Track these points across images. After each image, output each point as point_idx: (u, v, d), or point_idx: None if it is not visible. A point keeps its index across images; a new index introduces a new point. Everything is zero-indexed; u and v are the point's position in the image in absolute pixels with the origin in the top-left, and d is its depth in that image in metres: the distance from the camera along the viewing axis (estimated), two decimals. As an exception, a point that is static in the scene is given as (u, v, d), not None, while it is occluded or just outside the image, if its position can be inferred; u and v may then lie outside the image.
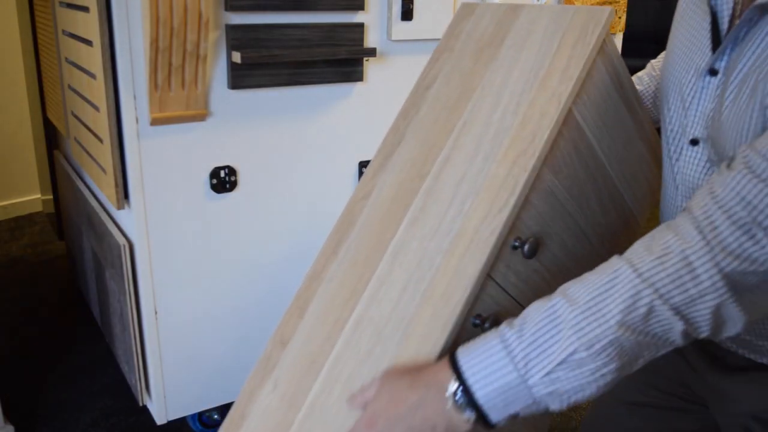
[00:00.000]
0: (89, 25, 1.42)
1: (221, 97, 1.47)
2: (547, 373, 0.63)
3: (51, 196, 2.53)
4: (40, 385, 1.99)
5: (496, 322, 0.70)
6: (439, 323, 0.72)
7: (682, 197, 0.82)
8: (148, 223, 1.47)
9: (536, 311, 0.65)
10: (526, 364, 0.63)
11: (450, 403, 0.65)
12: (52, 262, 2.78)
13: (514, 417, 0.65)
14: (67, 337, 2.23)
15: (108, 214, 1.72)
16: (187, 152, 1.47)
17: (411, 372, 0.69)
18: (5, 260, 2.79)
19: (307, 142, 1.62)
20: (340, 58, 1.56)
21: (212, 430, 1.80)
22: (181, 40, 1.32)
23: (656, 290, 0.62)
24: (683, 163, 0.80)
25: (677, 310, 0.62)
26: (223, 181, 1.52)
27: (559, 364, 0.62)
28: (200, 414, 1.76)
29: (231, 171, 1.53)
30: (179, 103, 1.40)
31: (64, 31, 1.71)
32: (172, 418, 1.65)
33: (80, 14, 1.48)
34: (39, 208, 3.26)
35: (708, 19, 0.78)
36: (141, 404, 1.67)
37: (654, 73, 1.08)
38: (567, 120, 0.80)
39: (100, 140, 1.50)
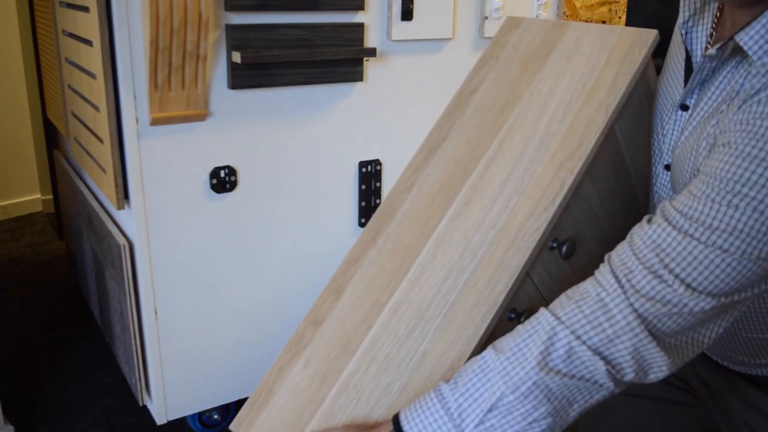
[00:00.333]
0: (89, 25, 1.42)
1: (221, 97, 1.47)
2: (480, 422, 0.66)
3: (51, 196, 2.53)
4: (40, 385, 1.99)
5: (528, 318, 0.74)
6: (481, 311, 0.76)
7: None
8: (148, 223, 1.47)
9: (470, 365, 0.69)
10: (461, 414, 0.66)
11: None
12: (52, 262, 2.78)
13: None
14: (67, 337, 2.23)
15: (108, 214, 1.72)
16: (187, 152, 1.47)
17: (362, 429, 0.73)
18: (5, 260, 2.79)
19: (307, 142, 1.62)
20: (340, 58, 1.56)
21: (212, 430, 1.80)
22: (181, 40, 1.32)
23: (573, 331, 0.66)
24: (659, 186, 0.87)
25: (596, 351, 0.66)
26: (223, 181, 1.52)
27: (489, 411, 0.66)
28: (200, 414, 1.76)
29: (231, 171, 1.53)
30: (179, 103, 1.40)
31: (64, 31, 1.71)
32: (172, 418, 1.65)
33: (80, 14, 1.49)
34: (39, 208, 3.26)
35: (683, 55, 0.83)
36: (141, 404, 1.67)
37: None
38: (609, 132, 0.85)
39: (100, 140, 1.50)
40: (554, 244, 0.81)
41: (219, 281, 1.60)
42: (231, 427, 0.82)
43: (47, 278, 2.64)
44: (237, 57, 1.41)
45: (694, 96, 0.79)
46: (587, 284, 0.69)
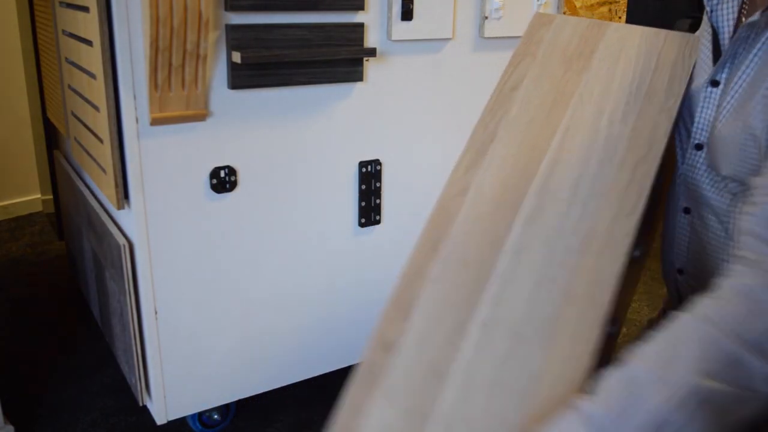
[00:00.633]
0: (89, 25, 1.42)
1: (221, 97, 1.47)
2: None
3: (51, 196, 2.53)
4: (40, 385, 1.99)
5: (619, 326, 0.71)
6: (587, 323, 0.71)
7: (684, 197, 0.87)
8: (148, 223, 1.47)
9: (611, 380, 0.63)
10: None
11: None
12: (52, 262, 2.78)
13: None
14: (67, 337, 2.23)
15: (108, 214, 1.72)
16: (187, 152, 1.47)
17: None
18: (5, 260, 2.79)
19: (307, 142, 1.62)
20: (340, 58, 1.56)
21: (212, 430, 1.80)
22: (181, 40, 1.32)
23: (728, 330, 0.61)
24: (686, 168, 0.85)
25: (753, 347, 0.60)
26: (223, 181, 1.52)
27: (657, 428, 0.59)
28: (200, 414, 1.76)
29: (231, 171, 1.53)
30: (179, 103, 1.40)
31: (64, 31, 1.71)
32: (172, 418, 1.65)
33: (80, 14, 1.48)
34: (39, 208, 3.26)
35: (710, 31, 0.83)
36: (141, 404, 1.67)
37: None
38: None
39: (100, 140, 1.50)
40: (636, 252, 0.80)
41: (219, 281, 1.60)
42: None
43: (47, 278, 2.64)
44: (237, 57, 1.41)
45: (725, 71, 0.79)
46: (725, 282, 0.65)
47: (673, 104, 0.85)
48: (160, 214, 1.48)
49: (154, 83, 1.35)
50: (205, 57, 1.37)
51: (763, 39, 0.74)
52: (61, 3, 1.69)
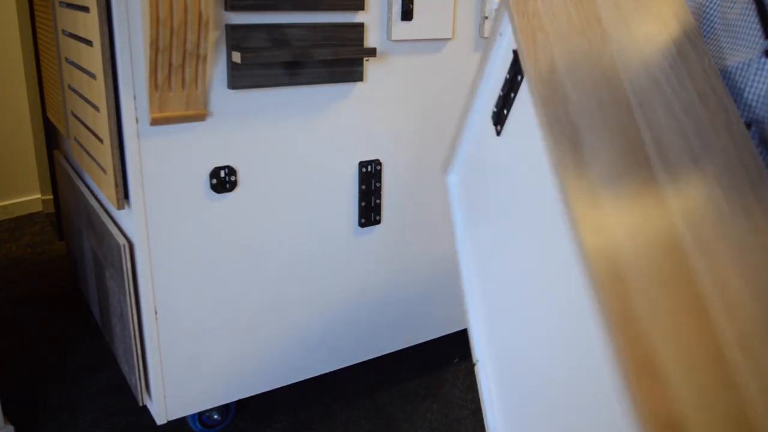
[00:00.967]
0: (89, 25, 1.42)
1: (221, 97, 1.47)
2: None
3: (51, 196, 2.53)
4: (40, 385, 1.99)
5: None
6: None
7: None
8: (148, 223, 1.47)
9: None
10: None
11: None
12: (52, 262, 2.78)
13: None
14: (67, 337, 2.23)
15: (108, 214, 1.72)
16: (187, 152, 1.47)
17: None
18: (5, 260, 2.79)
19: (307, 142, 1.62)
20: (340, 58, 1.56)
21: (212, 430, 1.80)
22: (181, 40, 1.32)
23: None
24: None
25: None
26: (223, 181, 1.52)
27: None
28: (200, 414, 1.76)
29: (231, 171, 1.53)
30: (179, 103, 1.40)
31: (64, 31, 1.71)
32: (172, 418, 1.65)
33: (80, 14, 1.48)
34: (39, 208, 3.26)
35: (753, 7, 0.79)
36: (141, 404, 1.67)
37: None
38: None
39: (100, 140, 1.50)
40: None
41: (219, 281, 1.60)
42: None
43: (47, 278, 2.64)
44: (237, 57, 1.41)
45: None
46: None
47: (708, 63, 0.79)
48: (160, 214, 1.48)
49: (154, 83, 1.35)
50: (205, 57, 1.37)
51: None
52: (61, 3, 1.69)
